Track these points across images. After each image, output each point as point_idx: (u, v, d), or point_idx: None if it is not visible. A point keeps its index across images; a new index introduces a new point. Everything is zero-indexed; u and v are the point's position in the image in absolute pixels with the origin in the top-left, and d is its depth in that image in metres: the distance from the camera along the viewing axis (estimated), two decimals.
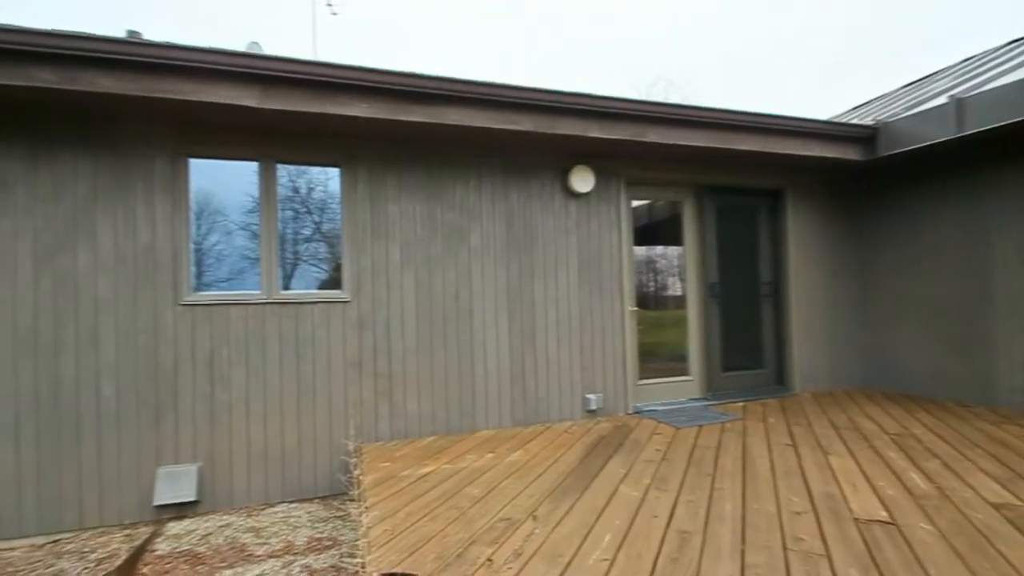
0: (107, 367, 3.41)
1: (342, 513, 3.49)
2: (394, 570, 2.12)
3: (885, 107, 6.16)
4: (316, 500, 3.74)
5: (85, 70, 2.99)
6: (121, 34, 3.18)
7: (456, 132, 3.92)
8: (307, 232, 4.03)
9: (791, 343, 5.44)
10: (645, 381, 5.02)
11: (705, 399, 5.18)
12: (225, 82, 3.23)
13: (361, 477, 3.18)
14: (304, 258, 4.04)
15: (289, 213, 3.95)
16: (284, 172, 3.91)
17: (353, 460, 3.47)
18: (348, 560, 2.79)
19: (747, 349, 5.53)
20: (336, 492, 3.73)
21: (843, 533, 2.34)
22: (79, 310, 3.38)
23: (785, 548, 2.21)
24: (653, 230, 5.41)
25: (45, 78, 2.92)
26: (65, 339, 3.34)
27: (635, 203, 5.10)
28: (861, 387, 5.61)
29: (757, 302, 5.59)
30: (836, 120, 6.22)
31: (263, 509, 3.61)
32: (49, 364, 3.31)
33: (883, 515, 2.49)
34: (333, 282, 4.04)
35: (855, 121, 5.53)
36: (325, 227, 4.07)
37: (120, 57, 3.01)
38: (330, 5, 7.07)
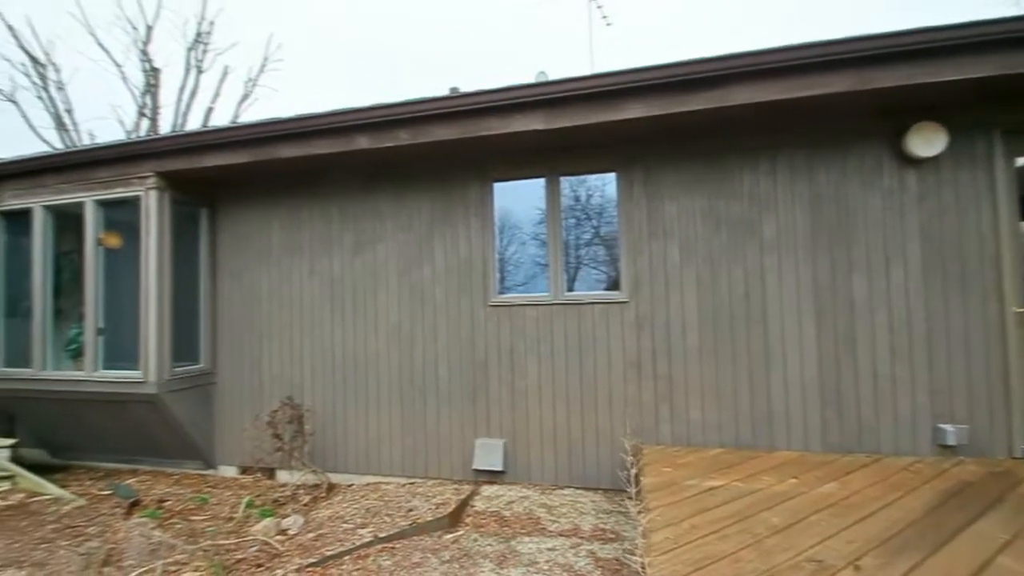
0: (442, 354, 4.33)
1: (623, 509, 3.52)
2: None
3: None
4: (599, 491, 3.88)
5: (427, 125, 3.88)
6: (446, 92, 4.03)
7: (741, 113, 3.50)
8: (587, 237, 4.27)
9: None
10: None
11: None
12: (520, 112, 3.69)
13: (640, 478, 3.14)
14: (585, 261, 4.29)
15: (571, 221, 4.25)
16: (566, 183, 4.23)
17: (630, 459, 3.46)
18: (629, 557, 2.78)
19: None
20: (617, 487, 3.78)
21: None
22: (424, 311, 4.40)
23: None
24: None
25: (402, 137, 3.92)
26: (416, 333, 4.40)
27: (1022, 160, 3.59)
28: None
29: None
30: None
31: (553, 489, 3.95)
32: (407, 351, 4.41)
33: None
34: (612, 283, 4.15)
35: None
36: (603, 231, 4.23)
37: (448, 110, 3.80)
38: (605, 18, 7.40)
